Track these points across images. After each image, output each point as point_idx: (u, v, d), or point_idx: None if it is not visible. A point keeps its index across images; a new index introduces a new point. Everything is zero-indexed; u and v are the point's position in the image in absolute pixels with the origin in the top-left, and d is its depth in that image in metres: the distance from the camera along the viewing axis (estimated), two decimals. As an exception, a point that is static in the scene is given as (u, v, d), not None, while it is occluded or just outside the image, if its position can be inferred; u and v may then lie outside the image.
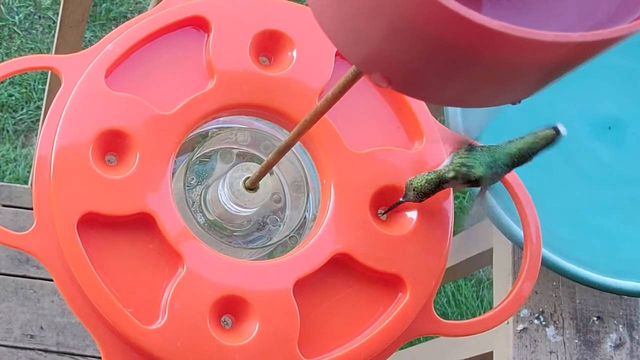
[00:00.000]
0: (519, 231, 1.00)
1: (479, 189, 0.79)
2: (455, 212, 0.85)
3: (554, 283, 1.08)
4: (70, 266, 0.75)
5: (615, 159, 1.11)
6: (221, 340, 0.76)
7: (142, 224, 0.78)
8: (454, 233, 0.85)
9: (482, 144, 0.79)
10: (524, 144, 0.77)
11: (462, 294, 2.28)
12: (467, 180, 0.77)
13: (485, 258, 1.26)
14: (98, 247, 0.77)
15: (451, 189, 0.82)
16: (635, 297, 1.08)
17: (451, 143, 0.86)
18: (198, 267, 0.77)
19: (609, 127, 1.12)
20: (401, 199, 0.81)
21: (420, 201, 0.80)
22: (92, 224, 0.77)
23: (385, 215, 0.83)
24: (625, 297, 1.09)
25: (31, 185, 0.78)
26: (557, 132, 0.77)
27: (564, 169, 1.10)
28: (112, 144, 0.79)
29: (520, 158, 0.77)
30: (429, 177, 0.78)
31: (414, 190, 0.79)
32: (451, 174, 0.77)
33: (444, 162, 0.79)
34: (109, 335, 0.76)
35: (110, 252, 0.77)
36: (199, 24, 0.85)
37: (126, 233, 0.78)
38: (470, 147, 0.78)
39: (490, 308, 0.84)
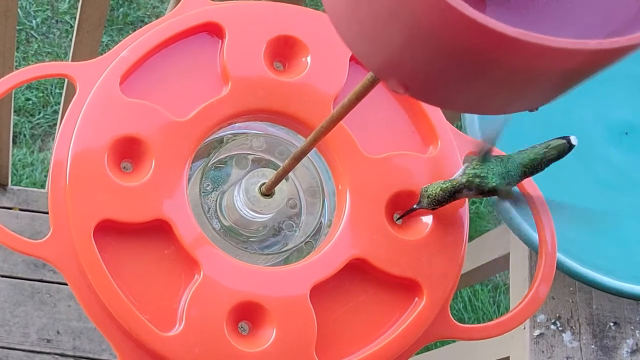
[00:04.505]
0: (535, 236, 1.00)
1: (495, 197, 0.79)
2: (471, 218, 0.85)
3: (571, 289, 1.08)
4: (86, 273, 0.75)
5: (631, 164, 1.11)
6: (238, 347, 0.76)
7: (158, 230, 0.78)
8: (470, 238, 0.85)
9: (495, 155, 0.79)
10: (536, 155, 0.77)
11: (479, 300, 2.27)
12: (480, 191, 0.77)
13: (502, 263, 1.26)
14: (114, 254, 0.77)
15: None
16: (652, 302, 1.08)
17: (468, 148, 0.86)
18: (215, 273, 0.77)
19: (626, 133, 1.12)
20: (415, 206, 0.81)
21: (433, 209, 0.80)
22: (109, 231, 0.77)
23: (400, 220, 0.82)
24: (643, 302, 1.09)
25: (47, 191, 0.78)
26: (569, 142, 0.77)
27: (580, 175, 1.09)
28: (128, 151, 0.79)
29: (533, 168, 0.78)
30: (444, 186, 0.78)
31: (428, 197, 0.79)
32: (465, 183, 0.77)
33: (457, 171, 0.79)
34: (125, 341, 0.76)
35: (126, 259, 0.77)
36: (213, 30, 0.85)
37: (142, 240, 0.78)
38: (483, 158, 0.78)
39: (507, 313, 0.83)
